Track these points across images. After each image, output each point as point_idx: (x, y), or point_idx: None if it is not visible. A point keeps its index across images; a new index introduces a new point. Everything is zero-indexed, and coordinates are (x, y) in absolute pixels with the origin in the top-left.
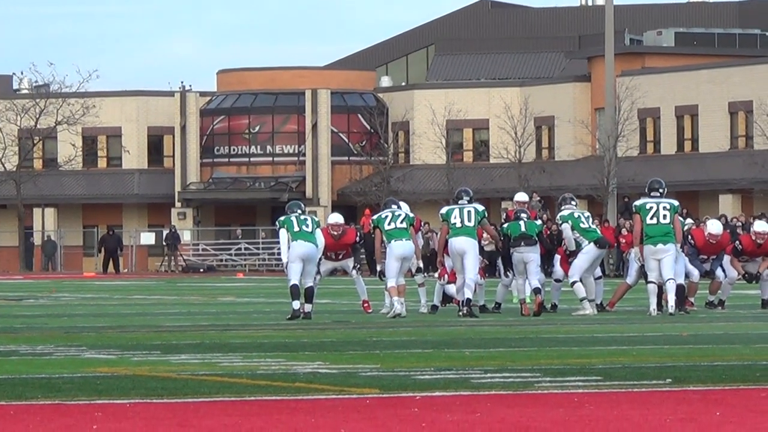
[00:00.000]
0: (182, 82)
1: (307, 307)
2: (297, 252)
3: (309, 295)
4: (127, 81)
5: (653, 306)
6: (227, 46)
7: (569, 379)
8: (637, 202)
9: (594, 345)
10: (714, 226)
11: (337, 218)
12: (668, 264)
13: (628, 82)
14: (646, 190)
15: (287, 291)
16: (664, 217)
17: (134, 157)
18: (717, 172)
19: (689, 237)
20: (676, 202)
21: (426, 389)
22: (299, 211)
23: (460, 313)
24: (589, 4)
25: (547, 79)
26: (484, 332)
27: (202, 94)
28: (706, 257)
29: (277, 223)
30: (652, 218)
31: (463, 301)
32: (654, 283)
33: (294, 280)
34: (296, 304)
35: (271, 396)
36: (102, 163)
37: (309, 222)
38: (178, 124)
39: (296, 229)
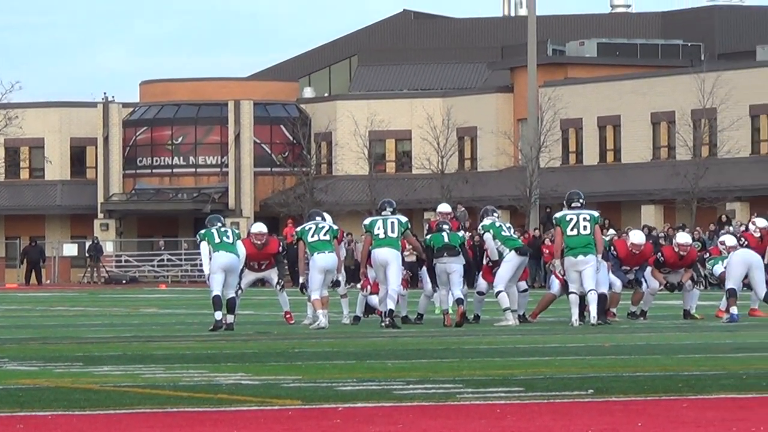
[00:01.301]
0: (105, 93)
1: (229, 318)
2: (219, 263)
3: (231, 306)
4: (50, 92)
5: (575, 317)
6: (152, 57)
7: (491, 390)
8: (557, 215)
9: (516, 356)
10: (636, 237)
11: (260, 228)
12: (589, 275)
13: (550, 93)
14: (565, 203)
15: (210, 302)
16: (585, 228)
17: (57, 168)
18: (639, 183)
19: (611, 248)
20: (596, 213)
21: (348, 400)
22: (219, 224)
23: (383, 324)
24: (512, 14)
25: (469, 89)
26: (406, 343)
27: (125, 105)
28: (629, 268)
29: (197, 236)
30: (572, 230)
31: (385, 312)
32: (576, 293)
33: (216, 291)
34: (218, 315)
35: (194, 407)
36: (24, 174)
37: (230, 233)
38: (100, 135)
39: (217, 240)
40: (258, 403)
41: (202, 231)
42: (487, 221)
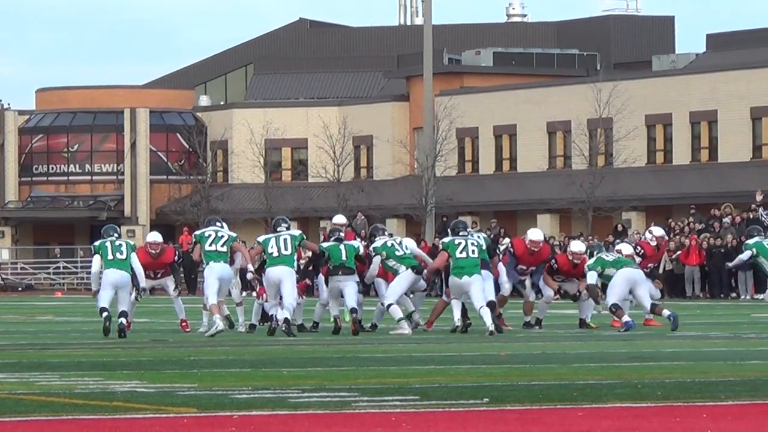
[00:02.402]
0: (0, 101)
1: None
2: (109, 280)
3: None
4: None
5: (457, 316)
6: (48, 65)
7: (387, 399)
8: (445, 240)
9: (411, 364)
10: (535, 234)
11: (155, 237)
12: (477, 292)
13: (446, 102)
14: (450, 232)
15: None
16: (473, 252)
17: None
18: (535, 192)
19: (510, 246)
20: (483, 242)
21: (244, 408)
22: (115, 236)
23: (283, 328)
24: (408, 23)
25: (365, 98)
26: (301, 351)
27: (21, 112)
28: (525, 268)
29: (92, 247)
30: (461, 252)
31: (281, 320)
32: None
33: (103, 304)
34: (105, 314)
35: (89, 415)
36: None
37: (124, 248)
38: None
39: (110, 257)
40: (153, 411)
41: (97, 243)
42: (378, 242)
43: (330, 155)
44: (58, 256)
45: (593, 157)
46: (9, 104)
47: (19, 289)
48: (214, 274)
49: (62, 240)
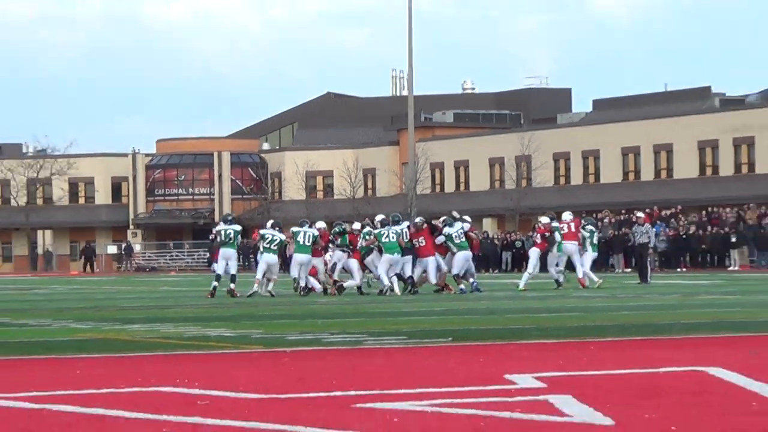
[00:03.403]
0: (134, 148)
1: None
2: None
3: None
4: (96, 145)
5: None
6: (164, 122)
7: (385, 338)
8: (447, 231)
9: (401, 316)
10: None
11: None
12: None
13: (423, 146)
14: (442, 223)
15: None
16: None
17: (102, 195)
18: (482, 203)
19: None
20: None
21: (293, 346)
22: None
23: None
24: (398, 94)
25: (371, 144)
26: (329, 308)
27: (147, 155)
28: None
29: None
30: (458, 239)
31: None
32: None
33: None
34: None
35: (193, 351)
36: (82, 200)
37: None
38: (131, 175)
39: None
40: (234, 348)
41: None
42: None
43: (348, 181)
44: (171, 248)
45: (519, 180)
46: (139, 149)
47: (147, 269)
48: (264, 261)
49: (174, 238)
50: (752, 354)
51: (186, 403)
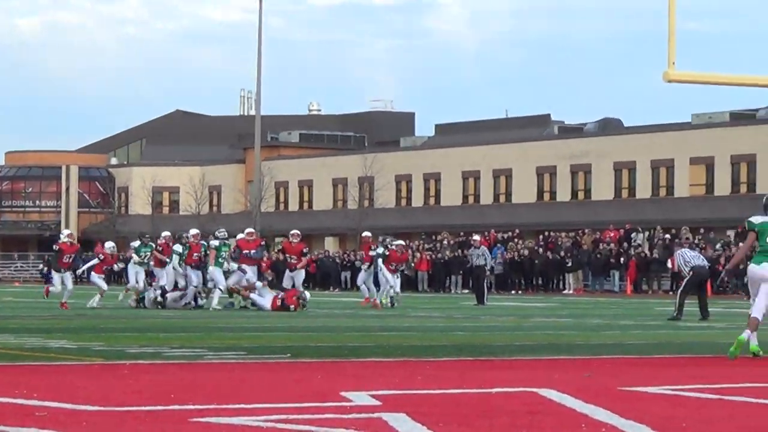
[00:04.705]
0: None
1: None
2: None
3: None
4: None
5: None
6: (11, 134)
7: (224, 354)
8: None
9: (242, 331)
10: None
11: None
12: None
13: (269, 164)
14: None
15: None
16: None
17: None
18: (324, 222)
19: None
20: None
21: (133, 359)
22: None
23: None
24: (245, 113)
25: (218, 161)
26: (171, 322)
27: None
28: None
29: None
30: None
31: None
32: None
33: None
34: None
35: (33, 362)
36: None
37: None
38: None
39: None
40: (75, 360)
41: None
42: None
43: (194, 197)
44: (16, 259)
45: (361, 201)
46: None
47: None
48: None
49: (20, 249)
50: (585, 376)
51: (23, 414)
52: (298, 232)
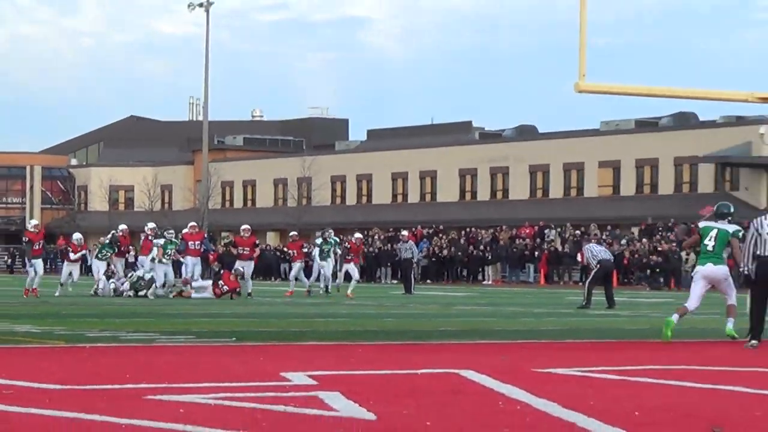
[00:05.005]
0: None
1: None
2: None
3: None
4: None
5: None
6: None
7: (175, 337)
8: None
9: (192, 317)
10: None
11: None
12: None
13: (216, 166)
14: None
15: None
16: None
17: None
18: (266, 218)
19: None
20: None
21: (93, 342)
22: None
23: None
24: (194, 119)
25: (169, 162)
26: (126, 308)
27: None
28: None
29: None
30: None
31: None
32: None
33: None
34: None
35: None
36: None
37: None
38: None
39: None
40: (39, 342)
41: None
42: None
43: (147, 195)
44: None
45: (300, 199)
46: None
47: None
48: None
49: None
50: (502, 359)
51: None
52: (249, 227)
